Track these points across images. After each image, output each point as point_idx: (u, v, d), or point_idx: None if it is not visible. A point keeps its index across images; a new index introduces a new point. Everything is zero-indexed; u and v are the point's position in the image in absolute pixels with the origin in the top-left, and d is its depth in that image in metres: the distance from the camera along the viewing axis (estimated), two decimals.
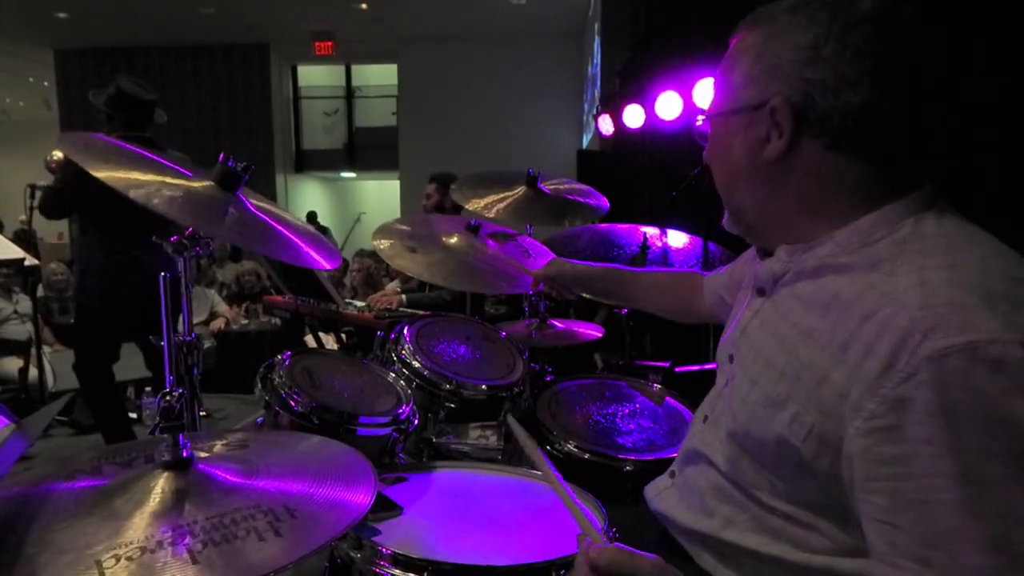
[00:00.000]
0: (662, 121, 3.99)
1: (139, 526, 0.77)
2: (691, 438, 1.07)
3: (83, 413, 4.34)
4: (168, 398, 0.89)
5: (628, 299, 1.69)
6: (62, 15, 10.25)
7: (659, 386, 1.81)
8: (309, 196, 13.80)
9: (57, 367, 4.58)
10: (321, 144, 13.37)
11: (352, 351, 3.80)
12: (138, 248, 3.16)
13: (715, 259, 2.40)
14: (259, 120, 12.09)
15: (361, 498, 0.85)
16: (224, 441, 1.01)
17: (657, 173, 4.42)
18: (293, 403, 1.36)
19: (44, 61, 11.99)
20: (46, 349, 4.82)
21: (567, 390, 1.80)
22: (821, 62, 0.81)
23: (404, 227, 2.05)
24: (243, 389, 4.21)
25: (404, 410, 1.47)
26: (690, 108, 3.81)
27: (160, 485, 0.83)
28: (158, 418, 0.88)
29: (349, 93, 13.34)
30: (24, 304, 4.97)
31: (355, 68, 13.29)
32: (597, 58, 8.53)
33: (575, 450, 1.52)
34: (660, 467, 1.19)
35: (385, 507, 1.10)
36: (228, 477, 0.87)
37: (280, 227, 1.39)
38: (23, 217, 4.74)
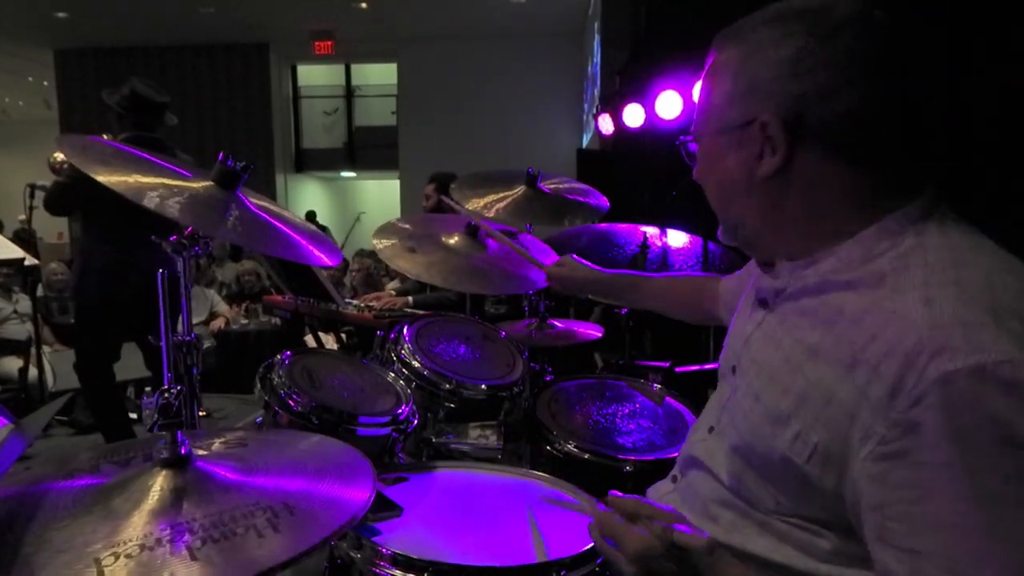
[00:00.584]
0: (662, 120, 3.99)
1: (138, 524, 0.77)
2: (693, 445, 1.06)
3: (83, 413, 4.35)
4: (167, 395, 0.89)
5: (638, 304, 1.67)
6: (62, 15, 10.24)
7: (659, 386, 1.81)
8: (309, 196, 13.79)
9: (57, 367, 4.58)
10: (321, 143, 13.36)
11: (352, 351, 3.80)
12: (141, 247, 3.16)
13: (715, 259, 2.40)
14: (259, 120, 12.08)
15: (360, 495, 0.85)
16: (223, 439, 1.00)
17: (657, 173, 4.41)
18: (292, 403, 1.36)
19: (44, 61, 11.99)
20: (46, 349, 4.82)
21: (567, 390, 1.80)
22: (806, 73, 0.80)
23: (404, 227, 2.04)
24: (243, 389, 4.22)
25: (404, 410, 1.47)
26: (690, 107, 3.81)
27: (159, 483, 0.83)
28: (156, 416, 0.88)
29: (349, 92, 13.34)
30: (24, 304, 4.97)
31: (355, 67, 13.28)
32: (597, 57, 8.53)
33: (575, 450, 1.52)
34: (660, 467, 1.19)
35: (385, 507, 1.10)
36: (227, 475, 0.87)
37: (280, 225, 1.39)
38: (23, 217, 4.74)
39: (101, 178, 1.19)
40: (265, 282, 6.24)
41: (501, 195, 2.21)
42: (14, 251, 4.24)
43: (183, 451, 0.87)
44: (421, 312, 2.67)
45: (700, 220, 2.39)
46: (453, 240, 1.99)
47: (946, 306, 0.71)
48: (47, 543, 0.75)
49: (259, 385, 1.42)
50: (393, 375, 1.61)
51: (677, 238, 2.45)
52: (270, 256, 3.24)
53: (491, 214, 2.15)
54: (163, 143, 3.29)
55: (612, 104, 5.36)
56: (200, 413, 1.48)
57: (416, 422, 1.50)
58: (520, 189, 2.22)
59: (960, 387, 0.66)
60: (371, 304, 3.57)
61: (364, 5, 10.18)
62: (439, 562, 0.96)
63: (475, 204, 2.20)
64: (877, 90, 0.79)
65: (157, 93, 3.35)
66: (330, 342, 4.14)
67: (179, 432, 0.87)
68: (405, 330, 1.72)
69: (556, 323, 2.26)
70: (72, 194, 3.21)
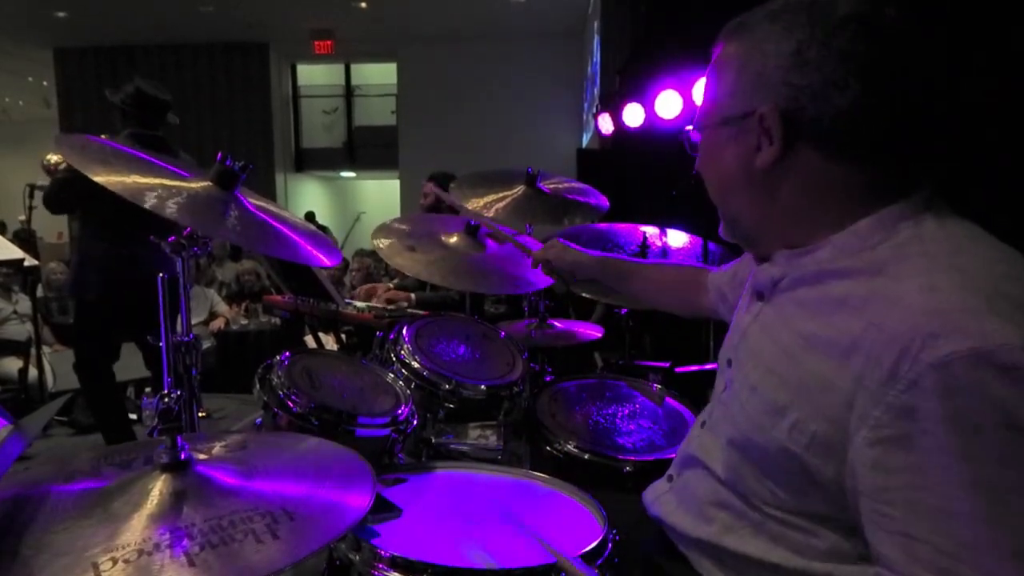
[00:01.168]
0: (662, 120, 3.99)
1: (136, 528, 0.76)
2: (689, 442, 1.06)
3: (83, 413, 4.35)
4: (167, 400, 0.89)
5: (627, 291, 1.60)
6: (62, 15, 10.24)
7: (659, 386, 1.80)
8: (308, 195, 13.79)
9: (57, 367, 4.58)
10: (320, 143, 13.36)
11: (352, 351, 3.80)
12: (140, 244, 3.16)
13: (715, 258, 2.40)
14: (258, 119, 12.07)
15: (359, 500, 0.85)
16: (223, 443, 1.00)
17: (657, 172, 4.41)
18: (292, 404, 1.36)
19: (44, 61, 11.98)
20: (46, 349, 4.82)
21: (567, 390, 1.80)
22: (806, 67, 0.80)
23: (403, 226, 2.04)
24: (242, 389, 4.20)
25: (403, 410, 1.47)
26: (690, 107, 3.81)
27: (158, 487, 0.83)
28: (156, 420, 0.88)
29: (349, 92, 13.33)
30: (24, 304, 4.97)
31: (354, 67, 13.28)
32: (597, 57, 8.52)
33: (575, 450, 1.52)
34: (660, 468, 1.19)
35: (384, 508, 1.10)
36: (226, 479, 0.87)
37: (279, 225, 1.39)
38: (23, 217, 4.74)
39: (100, 179, 1.18)
40: (265, 282, 6.24)
41: (501, 195, 2.20)
42: (14, 251, 4.24)
43: (183, 455, 0.86)
44: (421, 312, 2.67)
45: (700, 220, 2.38)
46: (452, 239, 1.99)
47: (945, 293, 0.71)
48: (47, 546, 0.75)
49: (258, 386, 1.41)
50: (392, 375, 1.61)
51: (677, 238, 2.45)
52: (270, 256, 3.24)
53: (491, 214, 2.15)
54: (165, 142, 3.33)
55: (612, 104, 5.35)
56: (200, 414, 1.47)
57: (415, 422, 1.50)
58: (520, 189, 2.22)
59: (957, 371, 0.66)
60: (373, 304, 3.56)
61: (364, 5, 10.18)
62: (438, 564, 0.96)
63: (475, 204, 2.20)
64: (875, 89, 0.79)
65: (161, 92, 3.39)
66: (330, 342, 4.14)
67: (179, 437, 0.87)
68: (404, 330, 1.72)
69: (556, 323, 2.26)
70: (71, 190, 3.21)
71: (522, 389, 1.70)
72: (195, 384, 1.41)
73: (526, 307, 2.33)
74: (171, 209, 1.20)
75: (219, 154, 1.33)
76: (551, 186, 2.29)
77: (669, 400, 1.75)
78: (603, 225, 2.47)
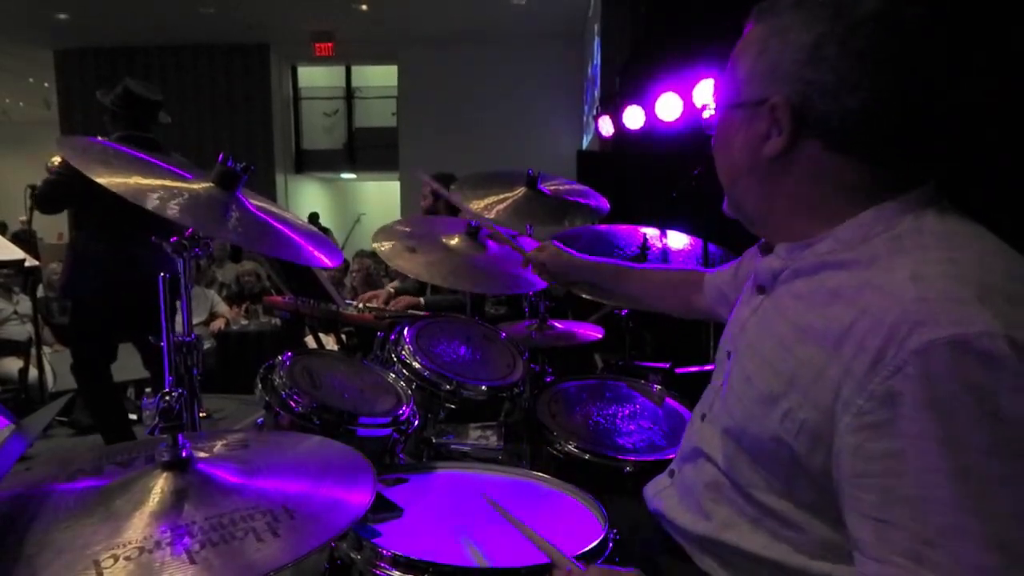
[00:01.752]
0: (662, 122, 3.99)
1: (138, 526, 0.77)
2: (690, 436, 1.07)
3: (83, 413, 4.34)
4: (167, 399, 0.89)
5: (622, 293, 1.60)
6: (62, 15, 10.24)
7: (659, 387, 1.81)
8: (309, 197, 13.79)
9: (57, 367, 4.57)
10: (321, 144, 13.36)
11: (352, 351, 3.79)
12: (138, 245, 3.15)
13: (715, 260, 2.40)
14: (259, 121, 12.07)
15: (360, 498, 0.85)
16: (224, 441, 1.00)
17: (657, 174, 4.41)
18: (293, 404, 1.36)
19: (44, 61, 11.97)
20: (46, 349, 4.82)
21: (567, 391, 1.80)
22: (822, 63, 0.81)
23: (404, 228, 2.05)
24: (243, 389, 4.19)
25: (404, 410, 1.47)
26: (690, 109, 3.81)
27: (160, 485, 0.83)
28: (157, 419, 0.88)
29: (349, 94, 13.33)
30: (24, 304, 4.97)
31: (355, 69, 13.28)
32: (597, 58, 8.53)
33: (575, 451, 1.52)
34: (660, 468, 1.19)
35: (385, 508, 1.10)
36: (227, 477, 0.87)
37: (280, 226, 1.39)
38: (23, 217, 4.74)
39: (101, 180, 1.19)
40: (265, 283, 6.23)
41: (501, 196, 2.21)
42: (14, 252, 4.24)
43: (184, 454, 0.87)
44: (421, 313, 2.67)
45: (700, 221, 2.39)
46: (453, 241, 1.99)
47: (933, 282, 0.71)
48: (49, 544, 0.75)
49: (260, 386, 1.42)
50: (393, 376, 1.61)
51: (677, 239, 2.45)
52: (270, 257, 3.25)
53: (491, 215, 2.15)
54: (157, 143, 3.28)
55: (612, 105, 5.36)
56: (200, 414, 1.48)
57: (416, 423, 1.50)
58: (520, 190, 2.22)
59: (939, 358, 0.66)
60: (377, 306, 3.56)
61: (364, 6, 10.18)
62: (439, 563, 0.96)
63: (475, 205, 2.20)
64: (886, 90, 0.80)
65: (151, 92, 3.34)
66: (330, 343, 4.14)
67: (180, 435, 0.87)
68: (405, 331, 1.72)
69: (556, 324, 2.26)
70: (62, 191, 3.19)
71: (523, 390, 1.70)
72: (196, 384, 1.41)
73: (526, 308, 2.33)
74: (173, 210, 1.20)
75: (220, 155, 1.33)
76: (551, 187, 2.29)
77: (669, 400, 1.76)
78: (603, 227, 2.47)
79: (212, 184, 1.33)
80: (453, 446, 1.58)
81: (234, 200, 1.34)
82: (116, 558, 0.72)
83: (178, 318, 1.41)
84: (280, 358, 1.48)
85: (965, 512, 0.65)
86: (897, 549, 0.68)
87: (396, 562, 0.96)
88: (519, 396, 1.69)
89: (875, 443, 0.70)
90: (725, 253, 2.38)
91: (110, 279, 3.23)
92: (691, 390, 1.82)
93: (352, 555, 1.01)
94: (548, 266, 1.65)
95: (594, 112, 6.33)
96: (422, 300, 3.65)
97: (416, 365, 1.62)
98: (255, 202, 1.41)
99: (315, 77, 13.38)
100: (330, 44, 11.38)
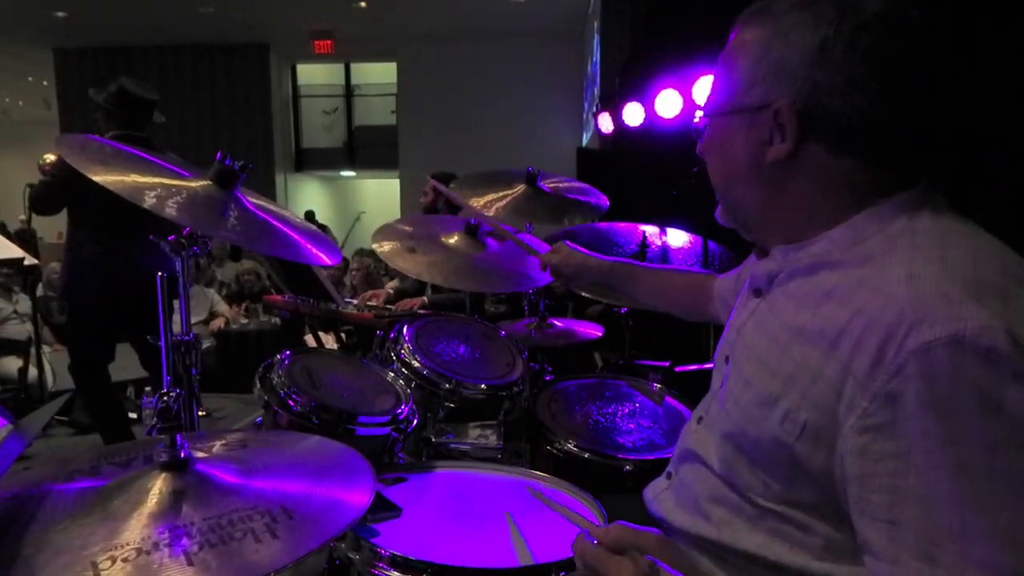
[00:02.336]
0: (662, 119, 3.99)
1: (136, 527, 0.76)
2: (686, 437, 1.06)
3: (83, 413, 4.34)
4: (165, 399, 0.89)
5: (633, 294, 1.57)
6: (61, 15, 10.23)
7: (659, 385, 1.81)
8: (309, 195, 13.79)
9: (57, 367, 4.58)
10: (321, 143, 13.36)
11: (352, 351, 3.79)
12: (135, 244, 3.15)
13: (715, 258, 2.40)
14: (258, 119, 12.07)
15: (359, 499, 0.85)
16: (223, 441, 1.00)
17: (657, 171, 4.41)
18: (292, 403, 1.36)
19: (44, 61, 11.97)
20: (46, 349, 4.82)
21: (567, 389, 1.80)
22: (830, 64, 0.80)
23: (404, 227, 2.04)
24: (243, 389, 4.20)
25: (403, 409, 1.47)
26: (690, 106, 3.81)
27: (158, 486, 0.83)
28: (155, 419, 0.88)
29: (348, 92, 13.33)
30: (24, 304, 4.96)
31: (354, 67, 13.28)
32: (597, 56, 8.52)
33: (575, 449, 1.52)
34: (659, 467, 1.19)
35: (384, 508, 1.10)
36: (226, 478, 0.87)
37: (279, 224, 1.39)
38: (23, 217, 4.74)
39: (99, 178, 1.18)
40: (265, 282, 6.23)
41: (501, 194, 2.20)
42: (14, 251, 4.24)
43: (182, 454, 0.86)
44: (421, 312, 2.67)
45: (700, 219, 2.38)
46: (453, 239, 1.99)
47: (928, 280, 0.71)
48: (47, 545, 0.75)
49: (259, 385, 1.42)
50: (393, 375, 1.61)
51: (677, 237, 2.45)
52: (269, 255, 3.24)
53: (491, 213, 2.14)
54: (151, 142, 3.26)
55: (612, 103, 5.36)
56: (200, 413, 1.47)
57: (416, 422, 1.50)
58: (520, 188, 2.22)
59: (938, 356, 0.66)
60: (378, 305, 3.56)
61: (364, 4, 10.17)
62: (438, 564, 0.96)
63: (475, 203, 2.19)
64: (893, 90, 0.79)
65: (147, 91, 3.32)
66: (330, 342, 4.13)
67: (179, 435, 0.87)
68: (405, 330, 1.72)
69: (556, 322, 2.26)
70: (57, 192, 3.18)
71: (522, 388, 1.70)
72: (194, 384, 1.41)
73: (526, 306, 2.33)
74: (171, 209, 1.19)
75: (219, 154, 1.33)
76: (551, 185, 2.29)
77: (669, 399, 1.76)
78: (603, 224, 2.47)
79: (210, 183, 1.33)
80: (452, 445, 1.58)
81: (232, 199, 1.34)
82: (114, 559, 0.71)
83: (176, 317, 1.41)
84: (279, 357, 1.47)
85: (973, 510, 0.64)
86: (908, 550, 0.67)
87: (395, 562, 0.96)
88: (518, 395, 1.69)
89: (880, 444, 0.69)
90: (725, 251, 2.38)
91: (107, 280, 3.22)
92: (691, 388, 1.82)
93: (351, 555, 1.01)
94: (561, 268, 1.62)
95: (594, 109, 6.32)
96: (425, 299, 3.65)
97: (415, 364, 1.62)
98: (254, 201, 1.41)
99: (314, 75, 13.37)
100: (329, 42, 11.38)
